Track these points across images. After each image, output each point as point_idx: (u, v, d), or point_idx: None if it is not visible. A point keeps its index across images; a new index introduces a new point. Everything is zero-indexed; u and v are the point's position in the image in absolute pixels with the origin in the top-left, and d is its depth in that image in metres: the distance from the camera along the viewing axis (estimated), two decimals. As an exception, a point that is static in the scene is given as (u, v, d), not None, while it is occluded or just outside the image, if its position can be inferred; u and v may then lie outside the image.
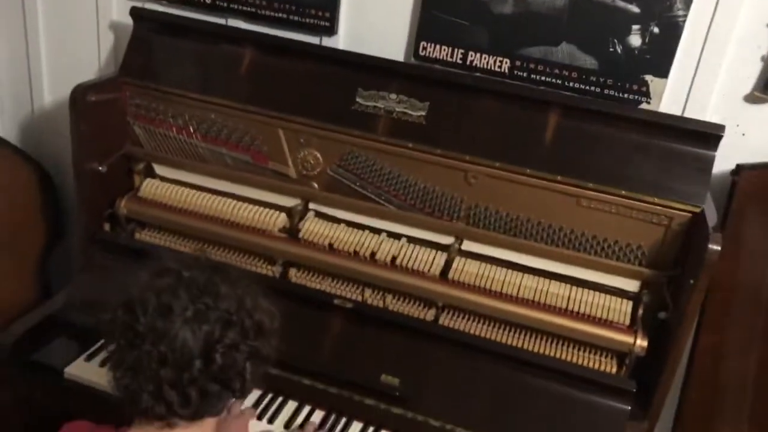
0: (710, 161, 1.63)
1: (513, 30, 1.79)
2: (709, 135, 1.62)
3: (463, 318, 1.81)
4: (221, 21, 2.06)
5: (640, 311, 1.70)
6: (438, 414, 1.66)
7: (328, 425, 1.67)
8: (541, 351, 1.75)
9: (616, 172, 1.66)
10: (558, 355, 1.74)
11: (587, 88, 1.78)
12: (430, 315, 1.82)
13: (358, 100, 1.80)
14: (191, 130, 1.96)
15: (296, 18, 1.99)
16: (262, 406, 1.69)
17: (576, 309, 1.72)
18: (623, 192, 1.65)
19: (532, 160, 1.71)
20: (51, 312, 1.86)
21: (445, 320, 1.81)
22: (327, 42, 1.98)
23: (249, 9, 2.02)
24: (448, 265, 1.80)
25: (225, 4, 2.04)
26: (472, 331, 1.79)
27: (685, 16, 1.67)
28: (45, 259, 2.39)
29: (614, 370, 1.72)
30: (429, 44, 1.87)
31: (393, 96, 1.79)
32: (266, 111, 1.86)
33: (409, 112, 1.78)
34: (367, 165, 1.83)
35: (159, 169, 2.04)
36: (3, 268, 2.31)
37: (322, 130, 1.83)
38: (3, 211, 2.31)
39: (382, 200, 1.85)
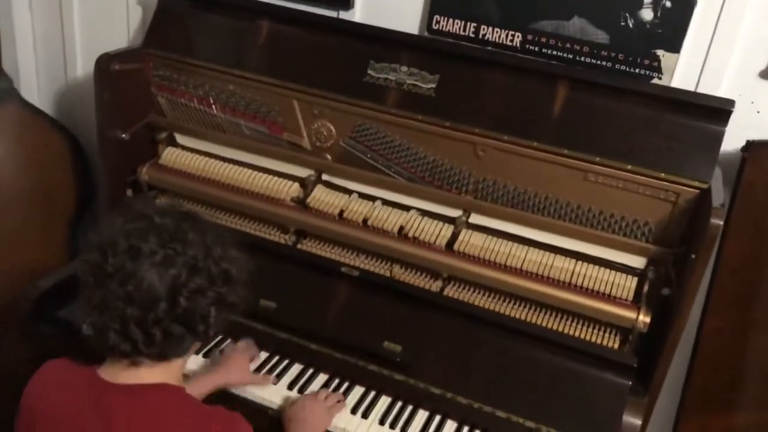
0: (719, 137, 1.60)
1: (525, 4, 1.79)
2: (719, 110, 1.60)
3: (468, 290, 1.83)
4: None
5: (645, 288, 1.70)
6: (439, 382, 1.69)
7: (330, 389, 1.71)
8: (545, 325, 1.76)
9: (623, 147, 1.65)
10: (561, 329, 1.75)
11: (598, 62, 1.77)
12: (435, 286, 1.85)
13: (369, 72, 1.83)
14: (210, 100, 2.01)
15: (313, -9, 2.02)
16: (267, 367, 1.75)
17: (580, 283, 1.72)
18: (630, 167, 1.64)
19: (541, 134, 1.71)
20: (76, 272, 1.93)
21: (450, 292, 1.83)
22: (344, 16, 2.01)
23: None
24: (454, 237, 1.82)
25: (246, -21, 2.08)
26: (476, 303, 1.80)
27: (699, -10, 1.65)
28: (75, 224, 2.49)
29: (617, 345, 1.72)
30: (442, 18, 1.88)
31: (404, 68, 1.81)
32: (281, 82, 1.91)
33: (420, 84, 1.80)
34: (378, 137, 1.86)
35: (180, 139, 2.11)
36: (36, 231, 2.42)
37: (333, 101, 1.86)
38: (38, 178, 2.42)
39: (392, 172, 1.88)
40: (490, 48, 1.87)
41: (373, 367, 1.72)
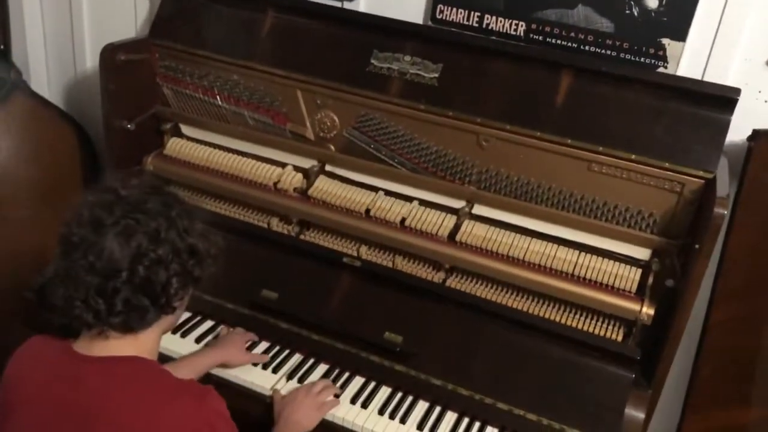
0: (725, 126, 1.58)
1: (529, -8, 1.78)
2: (725, 99, 1.57)
3: (471, 281, 1.82)
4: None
5: (650, 280, 1.67)
6: (439, 373, 1.68)
7: (330, 378, 1.70)
8: (547, 316, 1.74)
9: (628, 137, 1.63)
10: (563, 321, 1.73)
11: (603, 51, 1.75)
12: (438, 277, 1.84)
13: (372, 61, 1.83)
14: (215, 91, 2.02)
15: (318, -18, 2.02)
16: (268, 357, 1.74)
17: (583, 274, 1.70)
18: (634, 157, 1.62)
19: (545, 124, 1.69)
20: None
21: (452, 283, 1.82)
22: (348, 6, 2.01)
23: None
24: (457, 227, 1.81)
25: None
26: (478, 295, 1.79)
27: (705, -23, 1.63)
28: (83, 215, 2.50)
29: (620, 338, 1.70)
30: (446, 8, 1.87)
31: (407, 58, 1.80)
32: (285, 72, 1.90)
33: (422, 73, 1.79)
34: (381, 127, 1.85)
35: (185, 129, 2.12)
36: (46, 221, 2.44)
37: (337, 91, 1.86)
38: (47, 168, 2.44)
39: (396, 163, 1.87)
40: (493, 37, 1.85)
41: (374, 358, 1.72)
